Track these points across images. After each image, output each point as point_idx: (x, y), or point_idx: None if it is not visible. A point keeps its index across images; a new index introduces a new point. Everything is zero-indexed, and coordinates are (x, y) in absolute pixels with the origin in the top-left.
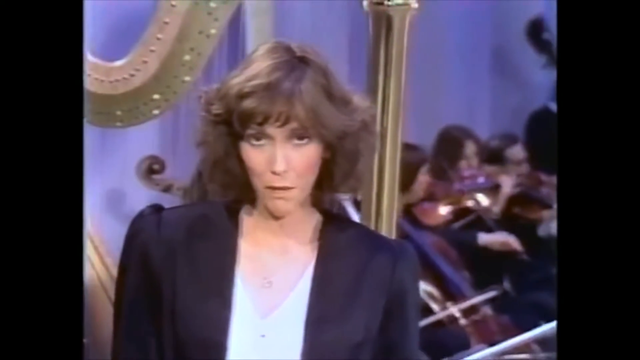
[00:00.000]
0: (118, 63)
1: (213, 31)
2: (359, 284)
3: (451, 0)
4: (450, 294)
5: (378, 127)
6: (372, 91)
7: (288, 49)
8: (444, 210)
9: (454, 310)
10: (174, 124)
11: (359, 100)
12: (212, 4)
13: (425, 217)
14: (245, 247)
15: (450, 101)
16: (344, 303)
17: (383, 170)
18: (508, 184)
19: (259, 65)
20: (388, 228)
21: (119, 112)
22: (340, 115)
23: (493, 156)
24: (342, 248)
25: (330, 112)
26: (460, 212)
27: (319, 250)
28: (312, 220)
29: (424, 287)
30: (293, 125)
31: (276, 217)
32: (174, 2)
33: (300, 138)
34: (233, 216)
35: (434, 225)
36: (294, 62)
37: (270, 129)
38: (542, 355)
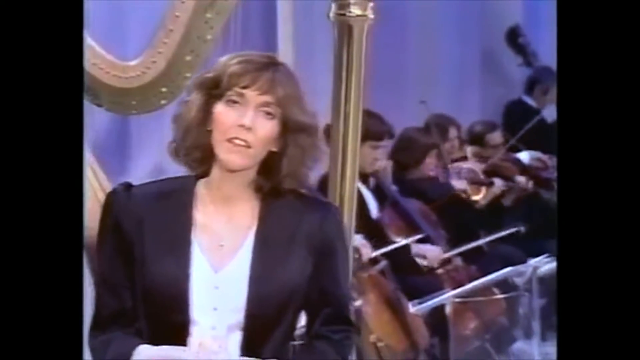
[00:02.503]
0: (132, 62)
1: (209, 37)
2: (292, 241)
3: (447, 9)
4: None
5: (342, 116)
6: (337, 85)
7: (269, 55)
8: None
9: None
10: None
11: (312, 114)
12: (208, 15)
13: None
14: (199, 217)
15: (443, 93)
16: (280, 258)
17: (346, 155)
18: (499, 184)
19: (250, 54)
20: (349, 215)
21: (134, 102)
22: (301, 111)
23: (476, 139)
24: (278, 212)
25: (297, 105)
26: (453, 199)
27: (259, 217)
28: (253, 198)
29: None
30: (268, 98)
31: (230, 170)
32: (177, 14)
33: (267, 113)
34: (189, 192)
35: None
36: (275, 60)
37: (250, 94)
38: (501, 296)
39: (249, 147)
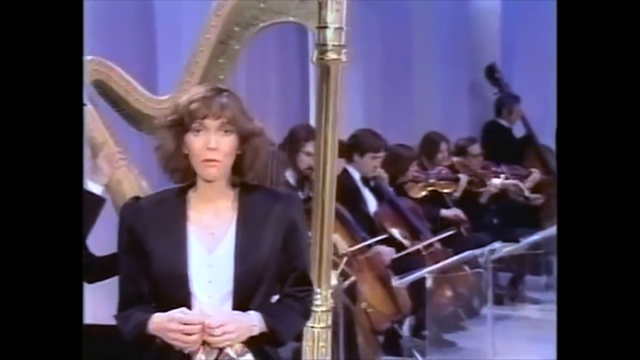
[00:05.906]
0: (164, 97)
1: (221, 77)
2: (265, 226)
3: (442, 51)
4: (417, 236)
5: (322, 137)
6: (319, 113)
7: (214, 87)
8: (423, 189)
9: (419, 245)
10: None
11: (256, 120)
12: (221, 60)
13: (411, 192)
14: (192, 214)
15: (437, 114)
16: (257, 238)
17: (326, 166)
18: (464, 179)
19: (199, 89)
20: (329, 212)
21: None
22: (249, 121)
23: (460, 151)
24: (252, 204)
25: (243, 118)
26: (433, 193)
27: (238, 209)
28: (231, 192)
29: (402, 232)
30: (222, 120)
31: (208, 181)
32: (197, 60)
33: (225, 131)
34: (182, 197)
35: (415, 198)
36: (220, 89)
37: (207, 122)
38: (469, 272)
39: (219, 161)
